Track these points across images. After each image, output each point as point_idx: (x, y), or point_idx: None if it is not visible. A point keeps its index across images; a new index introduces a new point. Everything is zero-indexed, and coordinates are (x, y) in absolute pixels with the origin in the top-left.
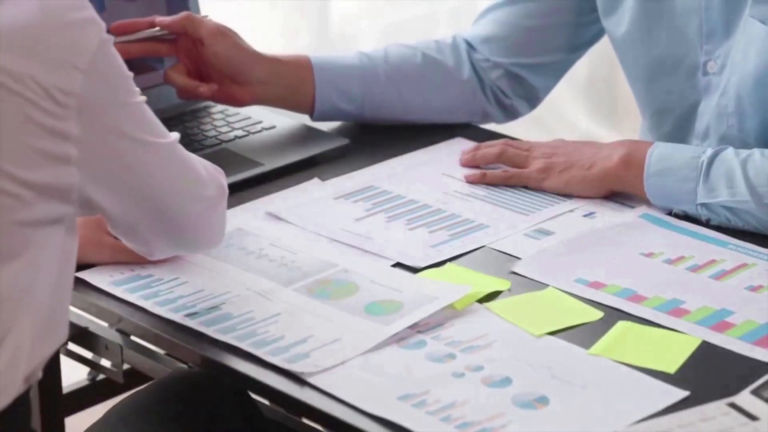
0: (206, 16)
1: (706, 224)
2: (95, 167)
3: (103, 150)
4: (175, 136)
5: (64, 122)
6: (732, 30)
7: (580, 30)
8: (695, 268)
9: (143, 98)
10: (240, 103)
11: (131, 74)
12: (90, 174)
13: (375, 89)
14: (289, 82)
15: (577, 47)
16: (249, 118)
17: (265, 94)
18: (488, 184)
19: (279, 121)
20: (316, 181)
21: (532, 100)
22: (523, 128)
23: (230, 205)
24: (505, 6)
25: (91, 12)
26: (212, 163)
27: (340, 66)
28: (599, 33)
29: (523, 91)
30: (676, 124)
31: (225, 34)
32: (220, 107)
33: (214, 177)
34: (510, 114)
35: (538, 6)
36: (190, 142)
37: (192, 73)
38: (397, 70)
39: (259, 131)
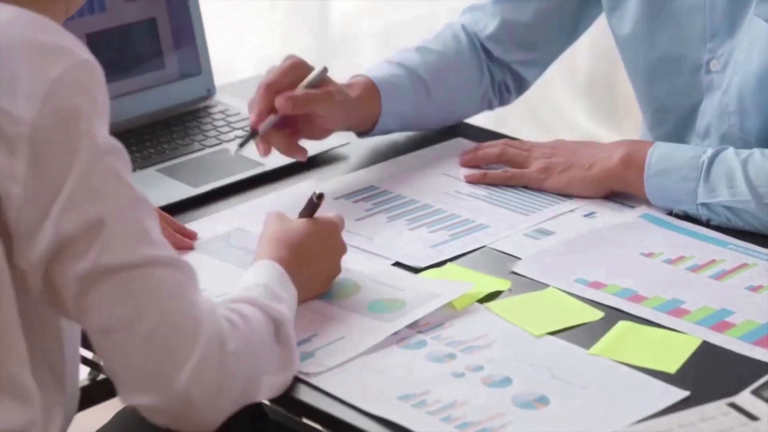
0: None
1: (707, 224)
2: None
3: (50, 207)
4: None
5: (10, 155)
6: (736, 29)
7: (579, 21)
8: (695, 268)
9: (121, 157)
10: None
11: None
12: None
13: (421, 108)
14: (364, 120)
15: (575, 37)
16: (249, 118)
17: (339, 129)
18: (489, 184)
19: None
20: (316, 181)
21: (523, 90)
22: (524, 128)
23: (230, 205)
24: (509, 2)
25: (64, 40)
26: (236, 311)
27: (399, 90)
28: (593, 19)
29: (517, 84)
30: (677, 123)
31: (337, 103)
32: (220, 107)
33: (215, 324)
34: (502, 103)
35: (543, 3)
36: (191, 143)
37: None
38: (439, 87)
39: None
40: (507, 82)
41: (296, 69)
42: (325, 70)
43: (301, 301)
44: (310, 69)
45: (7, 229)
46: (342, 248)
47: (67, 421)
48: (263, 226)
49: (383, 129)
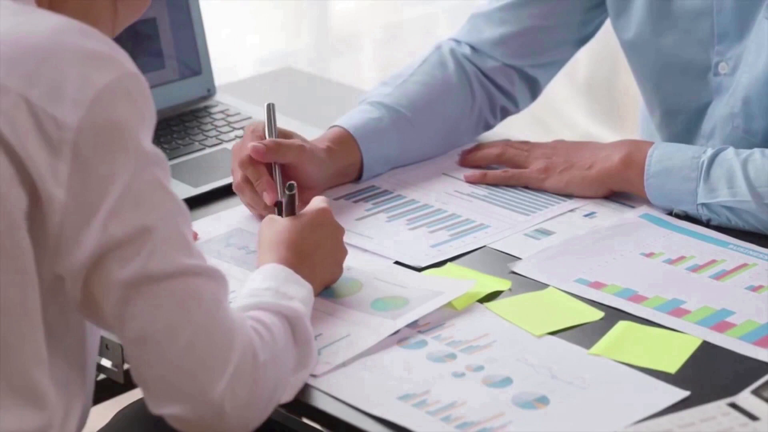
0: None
1: (707, 224)
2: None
3: (90, 217)
4: (207, 264)
5: (54, 158)
6: (746, 31)
7: (587, 23)
8: (695, 268)
9: (164, 167)
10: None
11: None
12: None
13: (407, 147)
14: (344, 170)
15: (584, 39)
16: (250, 118)
17: (325, 186)
18: (489, 184)
19: (279, 121)
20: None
21: (537, 93)
22: (523, 128)
23: (231, 206)
24: (517, 7)
25: (113, 50)
26: (256, 319)
27: (379, 134)
28: (602, 23)
29: (529, 92)
30: (686, 124)
31: (307, 153)
32: (220, 107)
33: (247, 335)
34: (504, 118)
35: (550, 6)
36: (191, 142)
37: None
38: (424, 123)
39: None
40: (513, 95)
41: (254, 130)
42: (269, 107)
43: (317, 291)
44: (262, 124)
45: (45, 234)
46: (339, 230)
47: (84, 418)
48: (258, 235)
49: (372, 174)
